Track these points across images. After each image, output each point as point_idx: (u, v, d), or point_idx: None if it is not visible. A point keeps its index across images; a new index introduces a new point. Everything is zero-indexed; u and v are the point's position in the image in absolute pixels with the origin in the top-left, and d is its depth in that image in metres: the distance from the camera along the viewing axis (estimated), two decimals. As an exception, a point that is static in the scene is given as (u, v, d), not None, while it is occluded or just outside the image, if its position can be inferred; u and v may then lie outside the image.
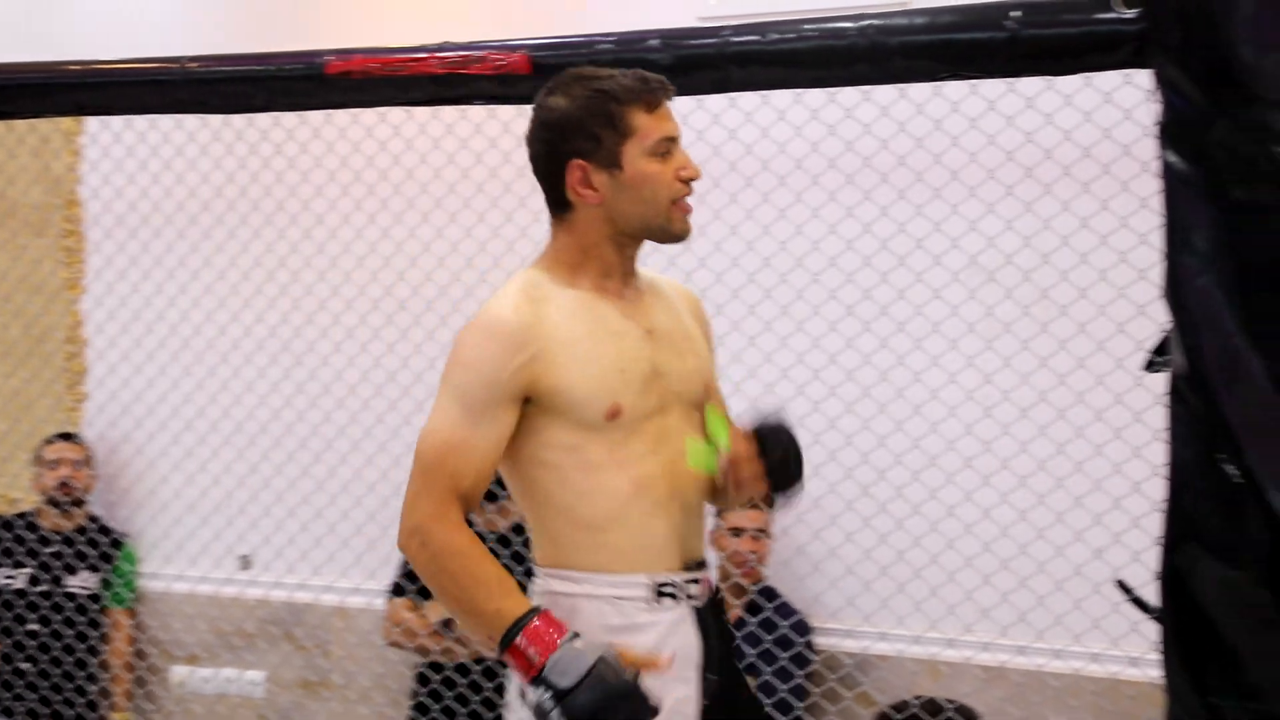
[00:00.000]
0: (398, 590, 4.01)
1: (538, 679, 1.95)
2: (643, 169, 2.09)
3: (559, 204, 2.16)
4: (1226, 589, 2.27)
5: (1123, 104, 2.88)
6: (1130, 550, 3.00)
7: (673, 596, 2.12)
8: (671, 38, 2.89)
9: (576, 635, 1.99)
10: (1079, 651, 3.39)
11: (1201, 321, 2.27)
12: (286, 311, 4.25)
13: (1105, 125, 3.02)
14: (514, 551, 3.86)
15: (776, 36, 2.81)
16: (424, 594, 3.95)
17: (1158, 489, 2.37)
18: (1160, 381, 2.35)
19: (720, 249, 3.54)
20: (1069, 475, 3.27)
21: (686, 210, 2.14)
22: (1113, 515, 3.17)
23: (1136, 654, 3.17)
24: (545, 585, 2.16)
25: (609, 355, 2.12)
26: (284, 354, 4.23)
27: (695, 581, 2.17)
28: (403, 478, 4.01)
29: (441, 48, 3.09)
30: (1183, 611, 2.32)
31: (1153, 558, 2.38)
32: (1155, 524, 2.38)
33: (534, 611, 2.00)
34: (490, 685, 3.81)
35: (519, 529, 3.92)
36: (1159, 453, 2.36)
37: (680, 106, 2.17)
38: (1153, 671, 2.45)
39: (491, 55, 3.02)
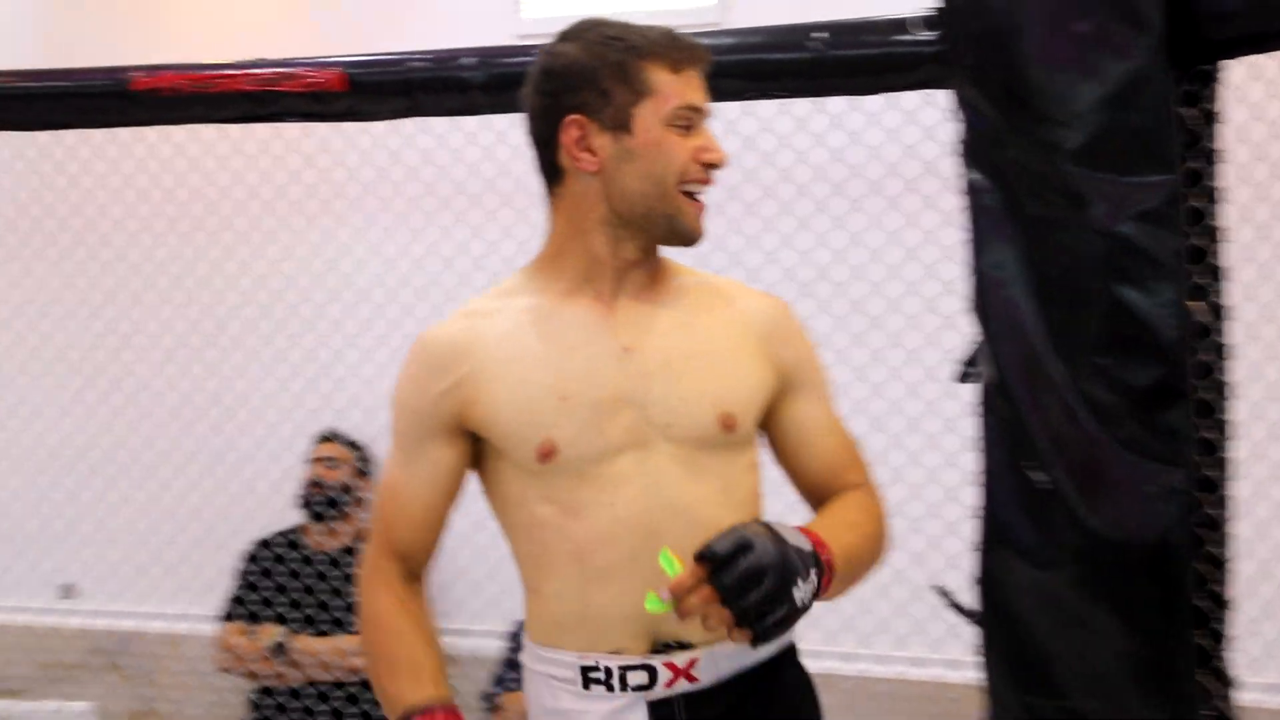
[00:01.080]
0: (228, 615, 3.95)
1: None
2: (657, 137, 1.72)
3: (551, 174, 1.80)
4: (1036, 591, 2.34)
5: (924, 122, 2.94)
6: (947, 556, 3.06)
7: (604, 684, 1.76)
8: (488, 56, 2.87)
9: None
10: (902, 656, 3.44)
11: (1006, 332, 2.33)
12: (100, 334, 4.13)
13: (909, 143, 3.09)
14: (345, 573, 3.83)
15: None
16: (254, 618, 3.90)
17: (972, 495, 2.44)
18: (969, 390, 2.41)
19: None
20: (889, 484, 3.31)
21: (699, 207, 1.76)
22: (930, 522, 3.23)
23: (957, 657, 3.23)
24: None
25: (548, 378, 1.74)
26: (99, 377, 4.13)
27: (644, 668, 1.75)
28: (227, 500, 4.01)
29: (252, 64, 3.04)
30: (997, 614, 2.38)
31: (969, 562, 2.44)
32: (970, 530, 2.44)
33: (434, 705, 1.72)
34: (324, 709, 3.76)
35: (350, 550, 3.89)
36: (971, 460, 2.42)
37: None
38: (973, 674, 2.50)
39: (304, 72, 2.97)
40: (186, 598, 4.12)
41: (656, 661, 1.75)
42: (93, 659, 4.26)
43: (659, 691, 1.75)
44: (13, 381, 4.21)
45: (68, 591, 4.29)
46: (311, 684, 3.81)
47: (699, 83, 1.76)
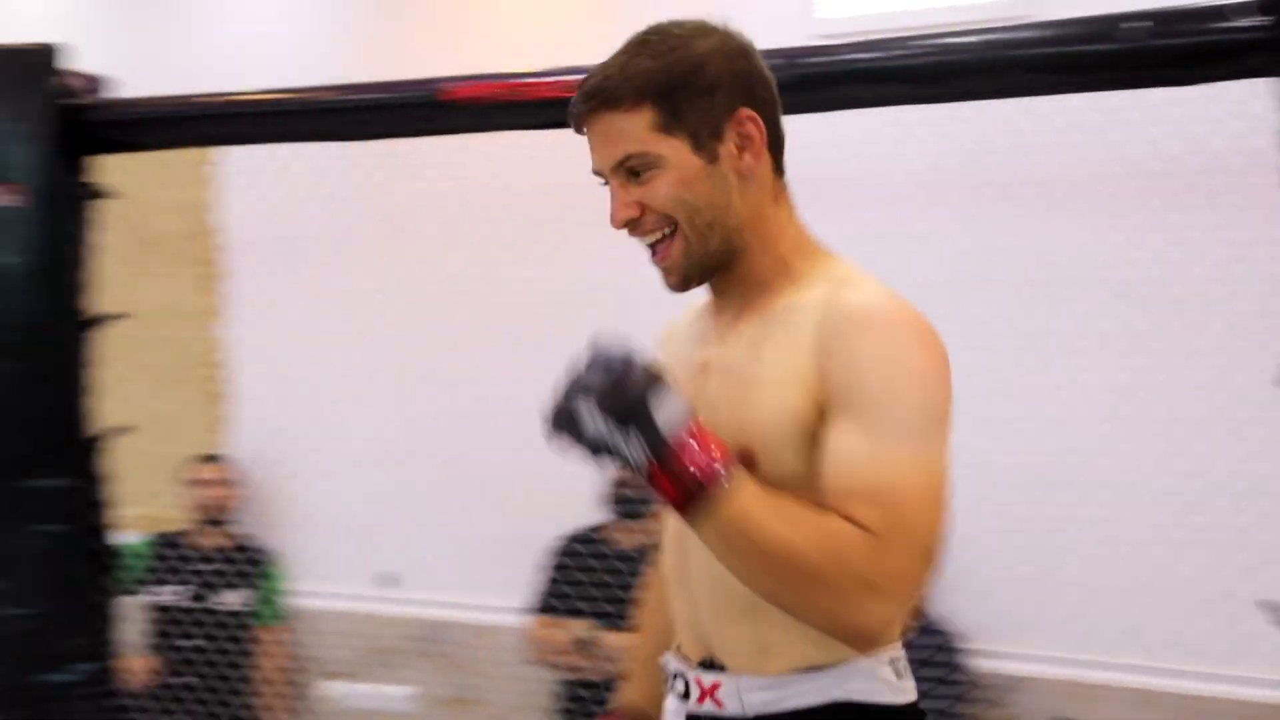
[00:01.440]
0: (536, 608, 4.04)
1: None
2: None
3: None
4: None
5: (1251, 113, 2.77)
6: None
7: (669, 684, 1.75)
8: (793, 56, 2.84)
9: None
10: (1231, 674, 3.28)
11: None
12: (431, 334, 4.29)
13: (1234, 134, 2.93)
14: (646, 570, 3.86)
15: (900, 52, 2.74)
16: (561, 612, 3.98)
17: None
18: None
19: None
20: (1212, 492, 3.17)
21: (655, 258, 1.69)
22: (1259, 534, 3.06)
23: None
24: None
25: None
26: (429, 376, 4.28)
27: (683, 678, 1.71)
28: (549, 497, 4.08)
29: (561, 71, 3.08)
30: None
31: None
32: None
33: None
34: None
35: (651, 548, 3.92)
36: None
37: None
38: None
39: (606, 78, 3.00)
40: (497, 589, 4.22)
41: (692, 675, 1.69)
42: (409, 645, 4.43)
43: (693, 706, 1.69)
44: (348, 380, 4.41)
45: (389, 580, 4.46)
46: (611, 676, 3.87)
47: (600, 138, 1.64)
